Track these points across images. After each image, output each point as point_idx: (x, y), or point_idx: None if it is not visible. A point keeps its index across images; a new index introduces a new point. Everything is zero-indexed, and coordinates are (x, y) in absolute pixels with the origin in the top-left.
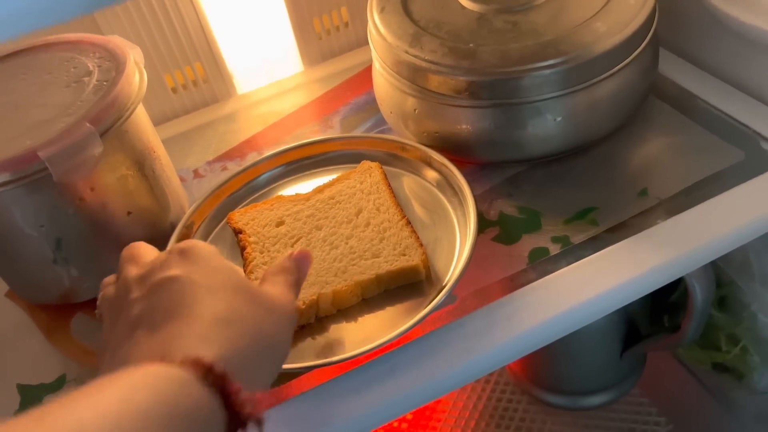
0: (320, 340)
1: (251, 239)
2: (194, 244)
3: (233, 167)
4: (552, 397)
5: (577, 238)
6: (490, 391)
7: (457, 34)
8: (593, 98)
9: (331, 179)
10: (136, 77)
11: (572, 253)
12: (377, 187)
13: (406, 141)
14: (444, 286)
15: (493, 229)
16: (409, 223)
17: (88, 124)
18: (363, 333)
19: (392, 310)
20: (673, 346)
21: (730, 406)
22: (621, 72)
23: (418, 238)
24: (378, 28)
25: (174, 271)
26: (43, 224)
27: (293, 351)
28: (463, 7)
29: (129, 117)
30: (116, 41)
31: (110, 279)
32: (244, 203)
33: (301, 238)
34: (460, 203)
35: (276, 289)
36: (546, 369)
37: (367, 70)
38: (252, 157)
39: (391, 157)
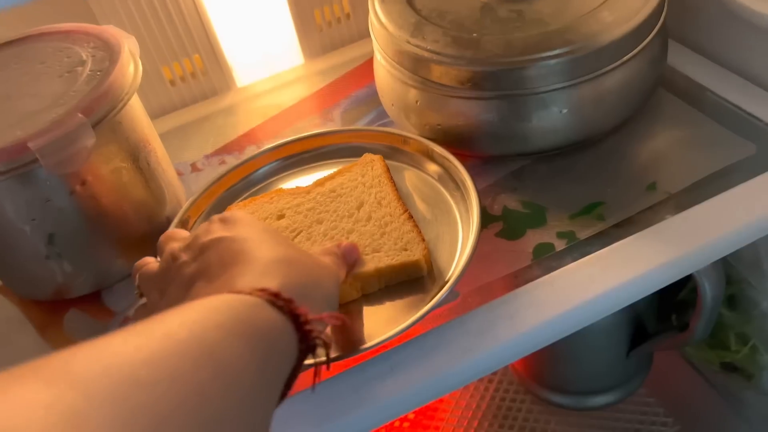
0: None
1: None
2: (234, 212)
3: (232, 161)
4: (556, 397)
5: (583, 234)
6: (494, 390)
7: (461, 24)
8: (600, 90)
9: (331, 173)
10: (130, 67)
11: (578, 249)
12: (379, 180)
13: (408, 134)
14: (446, 283)
15: (497, 225)
16: (411, 217)
17: (80, 115)
18: (362, 330)
19: (392, 306)
20: (681, 345)
21: (739, 406)
22: (629, 63)
23: (420, 232)
24: (379, 18)
25: (220, 233)
26: (35, 218)
27: None
28: None
29: (123, 108)
30: (111, 31)
31: (146, 260)
32: (242, 197)
33: (301, 231)
34: (463, 198)
35: (323, 257)
36: (550, 368)
37: (369, 63)
38: (251, 151)
39: (393, 151)
